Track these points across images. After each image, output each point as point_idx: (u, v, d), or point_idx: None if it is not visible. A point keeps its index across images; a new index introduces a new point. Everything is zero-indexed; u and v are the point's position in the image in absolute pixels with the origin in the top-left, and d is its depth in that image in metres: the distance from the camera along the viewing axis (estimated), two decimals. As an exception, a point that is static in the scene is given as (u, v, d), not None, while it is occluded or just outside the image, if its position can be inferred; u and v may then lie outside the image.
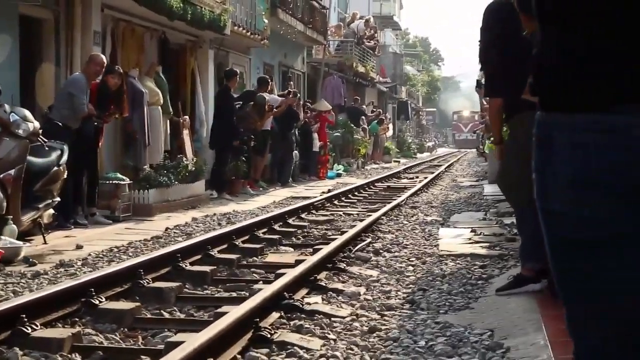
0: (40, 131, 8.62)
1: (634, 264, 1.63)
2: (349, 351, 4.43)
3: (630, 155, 1.56)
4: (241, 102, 16.77)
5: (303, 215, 11.34)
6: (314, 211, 12.10)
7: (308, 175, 20.57)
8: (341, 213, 12.08)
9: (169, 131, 13.76)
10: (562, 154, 1.62)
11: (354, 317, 5.26)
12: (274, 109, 16.92)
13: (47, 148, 8.78)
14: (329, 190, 15.82)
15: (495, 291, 5.83)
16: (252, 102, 16.13)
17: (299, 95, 20.52)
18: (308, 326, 4.93)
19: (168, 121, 13.67)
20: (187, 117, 14.43)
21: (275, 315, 5.12)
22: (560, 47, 1.64)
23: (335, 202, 13.75)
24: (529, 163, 5.43)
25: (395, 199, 13.86)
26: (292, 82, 23.45)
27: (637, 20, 1.56)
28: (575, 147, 1.61)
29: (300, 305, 5.38)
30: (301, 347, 4.42)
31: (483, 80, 7.90)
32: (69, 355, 4.30)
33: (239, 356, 4.29)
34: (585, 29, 1.60)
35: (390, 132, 37.27)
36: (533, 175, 1.72)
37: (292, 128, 18.50)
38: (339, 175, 21.94)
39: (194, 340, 4.00)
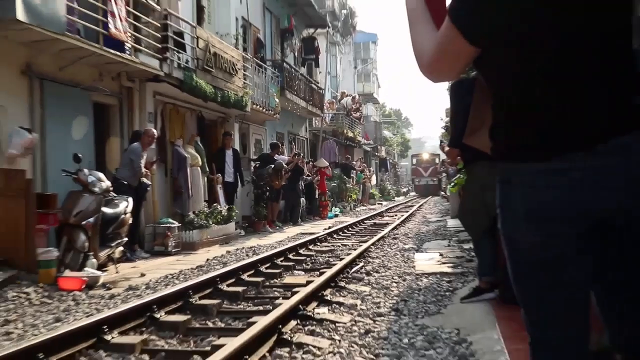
0: (111, 188, 8.75)
1: (571, 278, 1.69)
2: (351, 348, 4.46)
3: (569, 192, 1.62)
4: (259, 162, 17.01)
5: (310, 247, 11.29)
6: (318, 243, 12.01)
7: (312, 216, 20.58)
8: (339, 244, 11.98)
9: (206, 186, 13.82)
10: (517, 194, 1.68)
11: (353, 322, 5.27)
12: (287, 169, 17.11)
13: (116, 201, 8.89)
14: (329, 227, 15.80)
15: (460, 299, 5.85)
16: (272, 166, 16.32)
17: (302, 154, 20.67)
18: (319, 330, 4.95)
19: (205, 178, 13.72)
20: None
21: (293, 322, 5.14)
22: (512, 120, 1.71)
23: (335, 236, 13.66)
24: (480, 204, 5.55)
25: (380, 233, 13.75)
26: (294, 145, 23.59)
27: (554, 102, 1.66)
28: (527, 187, 1.66)
29: (312, 315, 5.39)
30: (314, 347, 4.45)
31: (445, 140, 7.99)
32: (140, 356, 4.34)
33: (267, 354, 4.32)
34: (526, 109, 1.68)
35: (374, 181, 37.30)
36: (497, 210, 1.75)
37: (299, 180, 18.56)
38: (336, 215, 21.92)
39: (233, 343, 4.04)
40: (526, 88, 1.66)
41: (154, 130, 10.71)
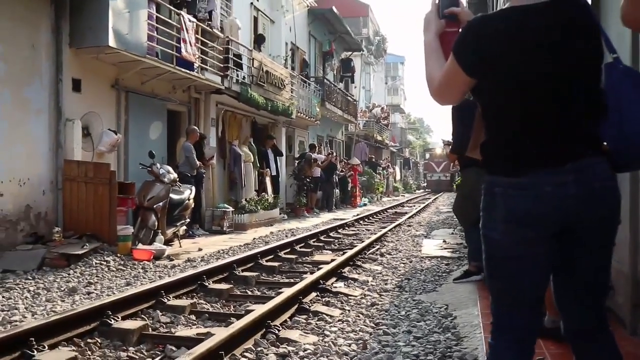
0: (177, 179, 8.88)
1: (533, 273, 1.69)
2: (357, 317, 4.46)
3: (539, 203, 1.62)
4: (300, 160, 17.06)
5: (339, 230, 11.20)
6: (347, 228, 11.92)
7: (345, 204, 20.49)
8: (364, 229, 11.87)
9: (257, 178, 13.90)
10: (499, 201, 1.68)
11: (363, 296, 5.26)
12: (320, 163, 17.15)
13: (181, 189, 9.02)
14: (357, 215, 15.69)
15: (453, 280, 5.80)
16: (304, 159, 16.45)
17: (335, 154, 20.62)
18: (333, 302, 4.96)
19: (256, 172, 13.81)
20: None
21: (313, 294, 5.15)
22: (496, 141, 1.72)
23: (361, 222, 13.54)
24: (471, 201, 5.47)
25: (398, 220, 13.58)
26: (329, 146, 23.52)
27: (528, 129, 1.65)
28: (505, 197, 1.66)
29: (330, 288, 5.39)
30: (327, 315, 4.46)
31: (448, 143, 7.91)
32: (189, 316, 4.41)
33: (288, 320, 4.34)
34: (506, 132, 1.69)
35: (398, 177, 36.93)
36: (481, 213, 1.74)
37: (333, 175, 18.52)
38: (365, 205, 21.77)
39: (261, 309, 4.08)
40: (507, 117, 1.68)
41: (194, 127, 10.74)
